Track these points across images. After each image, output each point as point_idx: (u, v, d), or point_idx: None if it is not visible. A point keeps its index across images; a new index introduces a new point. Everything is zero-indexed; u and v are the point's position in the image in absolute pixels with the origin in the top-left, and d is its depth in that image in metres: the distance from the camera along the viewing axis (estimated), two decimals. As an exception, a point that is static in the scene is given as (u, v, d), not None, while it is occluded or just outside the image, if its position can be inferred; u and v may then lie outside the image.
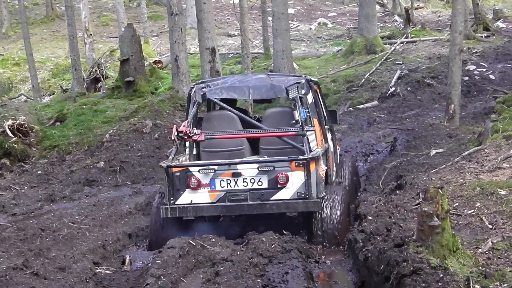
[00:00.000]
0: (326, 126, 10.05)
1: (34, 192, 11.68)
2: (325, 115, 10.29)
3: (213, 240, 8.43)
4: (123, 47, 18.60)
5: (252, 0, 29.41)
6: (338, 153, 11.07)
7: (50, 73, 26.68)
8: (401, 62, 20.59)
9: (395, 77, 18.91)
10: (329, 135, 10.21)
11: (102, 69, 21.54)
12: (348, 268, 8.10)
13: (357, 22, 24.97)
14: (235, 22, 32.31)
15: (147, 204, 10.66)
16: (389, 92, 17.94)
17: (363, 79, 19.22)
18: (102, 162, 12.67)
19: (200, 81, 10.05)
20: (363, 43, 22.79)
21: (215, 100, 9.35)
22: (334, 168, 10.31)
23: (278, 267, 7.54)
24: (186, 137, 8.71)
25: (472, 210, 7.84)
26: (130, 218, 10.07)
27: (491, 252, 6.75)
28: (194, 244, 8.06)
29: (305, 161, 8.39)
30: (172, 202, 8.61)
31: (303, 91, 9.21)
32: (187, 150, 9.35)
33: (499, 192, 8.13)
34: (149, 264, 8.01)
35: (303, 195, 8.43)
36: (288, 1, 19.92)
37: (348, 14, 34.01)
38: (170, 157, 8.82)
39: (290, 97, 8.97)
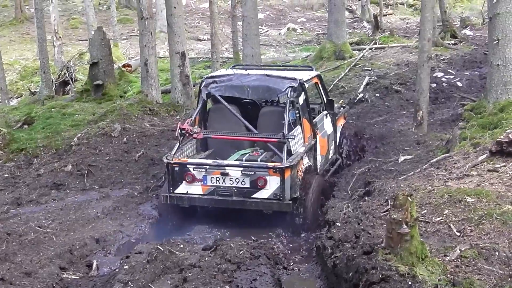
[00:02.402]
0: (325, 112, 11.70)
1: (0, 195, 11.48)
2: (325, 102, 11.83)
3: (181, 245, 8.38)
4: (92, 50, 18.43)
5: (222, 5, 29.37)
6: (339, 134, 12.50)
7: (18, 75, 26.34)
8: (369, 68, 20.62)
9: (364, 83, 18.94)
10: (328, 119, 11.82)
11: (71, 72, 21.32)
12: (317, 275, 8.06)
13: (326, 28, 25.02)
14: (204, 26, 32.25)
15: (115, 208, 10.55)
16: (357, 98, 17.96)
17: (332, 85, 19.22)
18: (70, 166, 12.49)
19: (209, 75, 11.20)
20: (332, 49, 22.82)
21: (219, 97, 10.49)
22: (332, 147, 12.01)
23: (246, 274, 7.50)
24: (187, 135, 10.04)
25: (440, 218, 7.84)
26: (97, 223, 9.94)
27: (459, 260, 6.74)
28: (162, 249, 7.99)
29: (280, 169, 9.44)
30: (171, 191, 9.84)
31: (295, 95, 10.22)
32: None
33: (467, 200, 8.15)
34: (117, 270, 7.90)
35: (278, 197, 9.51)
36: (258, 6, 19.85)
37: (317, 20, 34.11)
38: (173, 152, 10.05)
39: (281, 102, 10.15)
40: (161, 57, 25.12)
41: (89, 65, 18.89)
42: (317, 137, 10.88)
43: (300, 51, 27.11)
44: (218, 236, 9.29)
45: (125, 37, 31.83)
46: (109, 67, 18.62)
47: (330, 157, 11.76)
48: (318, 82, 11.68)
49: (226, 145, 10.54)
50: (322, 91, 11.79)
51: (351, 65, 21.14)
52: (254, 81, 10.59)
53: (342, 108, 12.99)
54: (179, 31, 17.02)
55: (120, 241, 9.45)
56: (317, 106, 11.71)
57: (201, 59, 26.60)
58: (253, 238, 8.70)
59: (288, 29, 32.30)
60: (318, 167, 10.89)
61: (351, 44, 24.26)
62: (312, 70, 11.93)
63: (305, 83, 10.71)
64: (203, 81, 10.81)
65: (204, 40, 30.26)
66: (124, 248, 9.10)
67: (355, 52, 23.31)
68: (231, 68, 11.82)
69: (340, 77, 19.95)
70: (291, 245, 9.34)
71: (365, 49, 23.75)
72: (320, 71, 20.57)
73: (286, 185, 9.47)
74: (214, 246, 8.17)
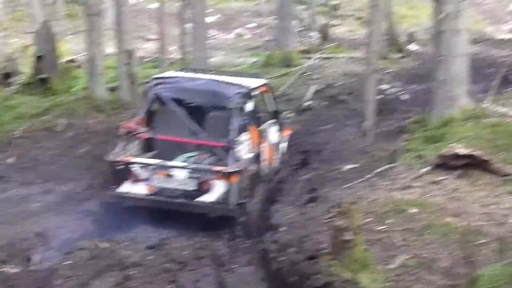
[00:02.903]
0: (271, 121, 11.64)
1: None
2: (272, 111, 11.88)
3: (125, 243, 8.36)
4: (38, 44, 18.16)
5: (171, 6, 29.18)
6: (285, 144, 12.54)
7: (-42, 65, 25.75)
8: (317, 77, 20.77)
9: (311, 91, 19.06)
10: (274, 128, 11.79)
11: (15, 64, 20.92)
12: (261, 278, 8.12)
13: (275, 35, 25.14)
14: (153, 26, 32.05)
15: (58, 203, 10.45)
16: (304, 105, 18.07)
17: (279, 92, 19.30)
18: (12, 159, 12.30)
19: (157, 76, 11.16)
20: (280, 56, 22.94)
21: (166, 99, 10.39)
22: (277, 156, 11.94)
23: (190, 274, 7.54)
24: (132, 134, 10.06)
25: (384, 227, 7.99)
26: (40, 217, 9.81)
27: (401, 269, 6.89)
28: (105, 246, 7.94)
29: (227, 173, 9.41)
30: (114, 189, 9.75)
31: (243, 101, 10.22)
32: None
33: (410, 210, 8.32)
34: (58, 265, 7.81)
35: (223, 201, 9.47)
36: (207, 10, 19.85)
37: (266, 27, 34.19)
38: (117, 150, 9.93)
39: (229, 108, 10.12)
40: (108, 55, 24.88)
41: (34, 59, 18.61)
42: (264, 145, 10.90)
43: (248, 57, 27.15)
44: (163, 236, 9.25)
45: (72, 32, 31.40)
46: (54, 61, 18.35)
47: (274, 166, 11.76)
48: (266, 90, 11.72)
49: (171, 147, 10.41)
50: (269, 100, 11.83)
51: (299, 73, 21.27)
52: (203, 85, 10.58)
53: (287, 119, 13.03)
54: (127, 30, 16.93)
55: (62, 237, 9.31)
56: (263, 115, 11.73)
57: (149, 58, 26.41)
58: (198, 238, 8.69)
59: (237, 34, 32.34)
60: (264, 175, 10.91)
61: (299, 52, 24.39)
62: (261, 78, 11.96)
63: (253, 90, 10.74)
64: (151, 81, 10.76)
65: (152, 40, 30.06)
66: (66, 244, 8.97)
67: (303, 60, 23.46)
68: (179, 71, 11.78)
69: (287, 84, 20.05)
70: (236, 247, 9.33)
71: (313, 58, 23.91)
72: (267, 77, 20.66)
73: (232, 190, 9.44)
74: (158, 245, 8.16)
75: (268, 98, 11.84)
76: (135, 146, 10.47)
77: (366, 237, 7.65)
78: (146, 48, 28.96)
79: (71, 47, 28.23)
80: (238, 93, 10.29)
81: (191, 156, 10.19)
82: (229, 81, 10.75)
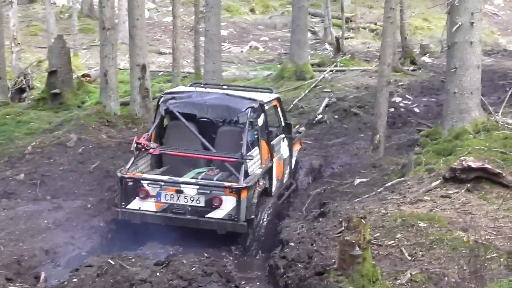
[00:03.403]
0: (282, 135, 11.64)
1: (-50, 202, 11.28)
2: (283, 125, 11.84)
3: (133, 260, 8.32)
4: (51, 58, 18.23)
5: (185, 19, 29.37)
6: (294, 159, 12.52)
7: (-27, 80, 25.93)
8: (329, 90, 20.76)
9: (323, 104, 19.06)
10: (284, 143, 11.73)
11: (28, 80, 21.03)
12: (268, 294, 8.08)
13: (289, 48, 25.14)
14: (167, 40, 32.18)
15: (67, 220, 10.44)
16: (316, 119, 18.07)
17: (292, 105, 19.32)
18: (23, 175, 12.30)
19: (168, 91, 11.25)
20: (293, 69, 22.93)
21: (177, 114, 10.45)
22: (287, 171, 11.92)
23: (197, 291, 7.47)
24: (143, 150, 10.04)
25: (393, 241, 7.94)
26: (48, 234, 9.80)
27: (409, 284, 6.82)
28: (113, 263, 7.92)
29: (237, 189, 9.42)
30: (123, 206, 9.77)
31: (254, 116, 10.30)
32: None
33: (419, 224, 8.26)
34: (65, 283, 7.79)
35: (232, 218, 9.47)
36: (221, 22, 19.88)
37: (279, 40, 34.26)
38: (127, 166, 9.98)
39: (240, 122, 10.20)
40: (121, 69, 24.96)
41: (47, 73, 18.69)
42: (274, 160, 10.86)
43: (261, 70, 27.19)
44: (171, 252, 9.20)
45: (85, 46, 31.58)
46: (67, 76, 18.42)
47: (284, 181, 11.73)
48: (277, 104, 11.71)
49: (181, 162, 10.42)
50: (280, 114, 11.82)
51: (311, 86, 21.26)
52: (214, 99, 10.60)
53: (298, 133, 12.99)
54: (141, 43, 16.95)
55: (70, 253, 9.32)
56: (275, 129, 11.71)
57: (162, 72, 26.49)
58: (206, 255, 8.67)
59: (250, 47, 32.39)
60: (273, 190, 10.86)
61: (312, 65, 24.36)
62: (272, 92, 11.97)
63: (265, 105, 10.73)
64: (162, 96, 10.78)
65: (166, 53, 30.17)
66: (74, 261, 8.97)
67: (316, 73, 23.44)
68: (190, 85, 11.80)
69: (300, 97, 20.05)
70: (243, 263, 9.32)
71: (326, 70, 23.90)
72: (280, 90, 20.72)
73: (242, 206, 9.43)
74: (166, 262, 8.14)
75: (280, 112, 11.82)
76: (145, 161, 10.51)
77: (375, 252, 7.61)
78: (159, 62, 29.10)
79: (84, 62, 28.44)
80: (250, 107, 10.27)
81: (200, 172, 10.18)
82: (241, 95, 10.75)
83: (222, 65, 20.24)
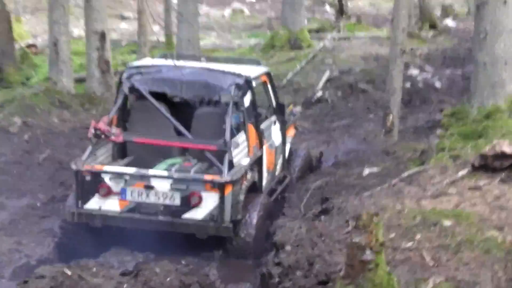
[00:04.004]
0: (273, 118, 11.63)
1: None
2: (274, 106, 11.79)
3: (94, 269, 8.33)
4: (-12, 25, 18.21)
5: (153, -24, 29.26)
6: (289, 146, 12.45)
7: None
8: (331, 61, 20.79)
9: (324, 79, 19.10)
10: (276, 127, 11.70)
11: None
12: (260, 309, 8.12)
13: (281, 11, 25.14)
14: (130, 2, 32.13)
15: (11, 222, 10.44)
16: (315, 97, 18.10)
17: (285, 80, 19.33)
18: (-45, 168, 12.35)
19: (133, 64, 11.01)
20: (286, 37, 22.98)
21: (144, 93, 10.32)
22: (280, 161, 11.86)
23: (174, 306, 7.50)
24: (103, 136, 9.89)
25: (411, 243, 7.96)
26: (-12, 240, 9.83)
27: (432, 295, 6.87)
28: (70, 273, 7.92)
29: (220, 184, 9.33)
30: (79, 206, 9.61)
31: (240, 94, 10.19)
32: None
33: (444, 223, 8.29)
34: (11, 298, 7.83)
35: (215, 218, 9.38)
36: (198, -20, 19.89)
37: (269, 1, 34.31)
38: (83, 157, 9.79)
39: (223, 101, 10.14)
40: (75, 38, 24.93)
41: (-17, 44, 18.64)
42: (264, 147, 10.83)
43: (247, 38, 27.20)
44: (140, 260, 9.23)
45: (30, 10, 31.49)
46: (8, 46, 18.44)
47: (277, 173, 11.71)
48: (267, 80, 11.64)
49: (150, 152, 10.32)
50: (271, 92, 11.77)
51: (309, 57, 21.28)
52: (190, 74, 10.49)
53: (292, 116, 12.97)
54: (99, 6, 16.97)
55: (17, 263, 9.31)
56: (264, 110, 11.65)
57: (125, 42, 26.47)
58: (183, 262, 8.69)
59: (233, 10, 32.41)
60: (264, 184, 10.84)
61: (309, 31, 24.42)
62: (260, 65, 11.87)
63: (252, 81, 10.65)
64: (125, 71, 10.68)
65: (130, 18, 30.16)
66: (22, 271, 8.97)
67: (314, 41, 23.46)
68: (160, 57, 11.76)
69: (295, 71, 20.06)
70: (229, 272, 9.33)
71: (326, 38, 23.92)
72: (270, 62, 20.73)
73: (226, 204, 9.37)
74: (135, 271, 8.15)
75: (270, 90, 11.77)
76: (106, 151, 10.42)
77: (390, 256, 7.65)
78: (122, 28, 29.07)
79: (29, 29, 28.35)
80: (234, 84, 10.21)
81: (174, 163, 10.09)
82: (223, 69, 10.71)
83: (200, 32, 20.23)
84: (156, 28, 26.20)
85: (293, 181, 12.34)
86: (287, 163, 12.37)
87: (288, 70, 20.19)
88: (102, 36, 17.04)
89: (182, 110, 10.93)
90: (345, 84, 18.75)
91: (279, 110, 12.00)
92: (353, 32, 24.91)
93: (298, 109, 13.97)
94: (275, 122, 11.71)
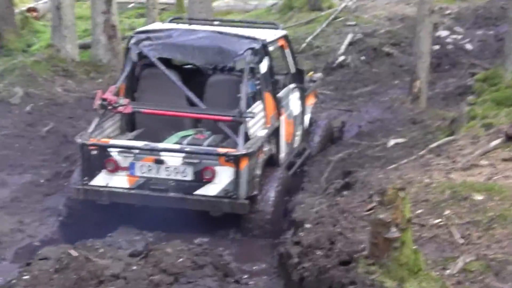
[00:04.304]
0: (292, 85, 11.60)
1: None
2: (293, 72, 11.77)
3: (101, 250, 8.37)
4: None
5: None
6: (308, 116, 12.48)
7: None
8: (354, 23, 20.70)
9: (346, 42, 19.04)
10: (295, 95, 11.67)
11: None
12: (279, 291, 8.14)
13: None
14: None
15: (13, 200, 10.51)
16: (337, 61, 18.05)
17: (305, 44, 19.29)
18: (-48, 142, 12.43)
19: (141, 29, 11.12)
20: (305, -4, 22.88)
21: (154, 59, 10.31)
22: (299, 132, 11.89)
23: (187, 288, 7.53)
24: (110, 107, 9.89)
25: (440, 220, 7.96)
26: (-11, 219, 9.90)
27: (462, 274, 6.86)
28: (76, 254, 7.95)
29: (235, 157, 9.33)
30: (85, 183, 9.65)
31: (256, 60, 10.19)
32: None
33: (475, 197, 8.28)
34: (14, 281, 7.86)
35: (229, 194, 9.42)
36: None
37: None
38: (90, 130, 9.81)
39: (238, 68, 10.13)
40: (79, 0, 24.93)
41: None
42: (282, 118, 10.84)
43: (263, -2, 27.11)
44: (150, 239, 9.25)
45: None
46: (7, 11, 18.47)
47: (295, 146, 11.72)
48: (285, 45, 11.60)
49: (160, 124, 10.36)
50: (289, 58, 11.73)
51: (330, 18, 21.20)
52: (202, 39, 10.49)
53: (312, 82, 12.90)
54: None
55: (19, 243, 9.40)
56: (282, 78, 11.64)
57: (133, 4, 26.47)
58: (196, 242, 8.70)
59: (248, -33, 32.27)
60: (282, 157, 10.86)
61: (330, -10, 24.30)
62: (277, 28, 11.84)
63: (269, 45, 10.65)
64: (133, 36, 10.69)
65: (137, -21, 30.11)
66: (24, 253, 9.05)
67: (335, 1, 23.35)
68: (170, 21, 11.75)
69: (315, 33, 20.01)
70: (245, 252, 9.34)
71: (348, -3, 23.82)
72: (288, 25, 20.67)
73: (241, 179, 9.37)
74: (145, 252, 8.17)
75: (288, 55, 11.72)
76: (113, 123, 10.44)
77: (417, 234, 7.65)
78: (129, -10, 29.03)
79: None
80: (249, 49, 10.18)
81: (186, 136, 10.15)
82: (237, 33, 10.70)
83: (212, -8, 20.14)
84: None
85: (313, 154, 12.32)
86: (306, 134, 12.35)
87: (308, 33, 20.14)
88: (108, -2, 17.03)
89: (194, 78, 10.94)
90: (368, 47, 18.67)
91: (298, 77, 11.96)
92: (377, -10, 24.76)
93: (318, 75, 13.85)
94: (293, 90, 11.67)
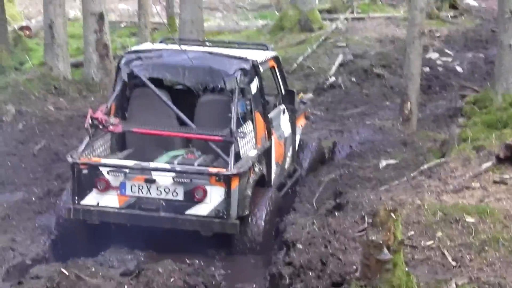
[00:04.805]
0: (282, 106, 11.54)
1: None
2: (283, 93, 11.69)
3: (93, 269, 8.35)
4: (-22, 6, 18.21)
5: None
6: (299, 137, 12.37)
7: None
8: (344, 44, 20.76)
9: (336, 63, 19.07)
10: (285, 117, 11.57)
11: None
12: (270, 312, 8.11)
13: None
14: (130, -20, 32.11)
15: (4, 218, 10.45)
16: (328, 82, 18.07)
17: (295, 64, 19.30)
18: None
19: (132, 49, 11.08)
20: (296, 17, 22.93)
21: (144, 79, 10.28)
22: (290, 154, 11.75)
23: (178, 308, 7.50)
24: (101, 126, 9.80)
25: (432, 242, 7.95)
26: (-20, 237, 9.82)
27: (455, 297, 6.85)
28: (67, 273, 7.92)
29: (226, 177, 9.28)
30: (76, 202, 9.57)
31: (246, 80, 10.16)
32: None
33: (467, 219, 8.27)
34: (4, 300, 7.83)
35: (220, 214, 9.35)
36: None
37: (278, -21, 34.22)
38: (80, 149, 9.75)
39: (228, 88, 10.11)
40: (71, 19, 24.93)
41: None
42: (272, 138, 10.77)
43: (254, 19, 27.16)
44: (142, 259, 9.21)
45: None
46: (0, 29, 18.40)
47: (286, 167, 11.64)
48: (275, 66, 11.54)
49: (150, 143, 10.35)
50: (279, 79, 11.66)
51: (321, 40, 21.24)
52: (193, 59, 10.41)
53: (302, 104, 12.83)
54: (97, -15, 16.92)
55: (10, 262, 9.26)
56: (272, 98, 11.58)
57: (124, 24, 26.47)
58: (187, 261, 8.67)
59: (239, -12, 32.37)
60: (272, 178, 10.79)
61: (320, 11, 24.35)
62: (267, 49, 11.73)
63: (259, 66, 10.57)
64: (124, 56, 10.64)
65: (129, -2, 30.14)
66: (16, 271, 8.97)
67: (326, 22, 23.42)
68: (161, 42, 11.72)
69: (306, 54, 20.03)
70: (237, 272, 9.33)
71: (338, 19, 23.86)
72: (279, 46, 20.72)
73: (232, 199, 9.32)
74: (136, 271, 8.14)
75: (279, 75, 11.66)
76: (103, 143, 10.38)
77: (409, 255, 7.63)
78: (121, 9, 29.06)
79: (22, 10, 28.36)
80: (240, 69, 10.16)
81: (177, 155, 10.11)
82: (227, 53, 10.65)
83: (204, 12, 20.18)
84: (157, 9, 26.21)
85: (304, 175, 12.27)
86: (297, 155, 12.28)
87: (298, 54, 20.17)
88: (100, 17, 17.02)
89: (184, 98, 10.87)
90: (359, 68, 18.72)
91: (288, 98, 11.90)
92: (367, 13, 24.83)
93: (308, 96, 13.90)
94: (284, 111, 11.61)
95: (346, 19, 24.14)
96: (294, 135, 12.00)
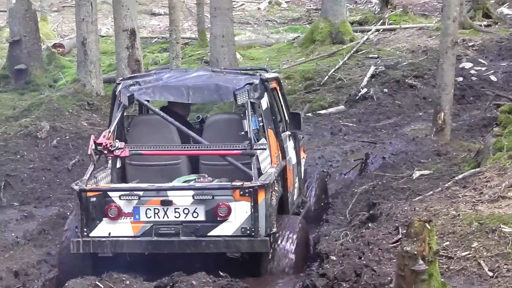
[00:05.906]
0: (287, 133, 10.75)
1: None
2: (287, 118, 10.94)
3: (127, 282, 8.32)
4: (13, 25, 18.36)
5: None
6: (303, 165, 11.69)
7: None
8: (376, 55, 20.75)
9: (368, 75, 19.04)
10: (291, 144, 10.86)
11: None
12: (305, 324, 8.07)
13: (320, 2, 25.09)
14: (161, -4, 32.26)
15: (40, 232, 10.48)
16: (359, 94, 18.04)
17: (327, 76, 19.29)
18: (-18, 176, 12.45)
19: (128, 76, 10.60)
20: (327, 30, 22.91)
21: (145, 103, 9.84)
22: (297, 185, 10.97)
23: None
24: (106, 152, 9.03)
25: (468, 252, 7.88)
26: (17, 251, 9.91)
27: (491, 308, 6.80)
28: (102, 286, 7.94)
29: (251, 189, 8.70)
30: (85, 234, 8.85)
31: (256, 95, 9.55)
32: (110, 163, 9.71)
33: (503, 229, 8.19)
34: (41, 314, 7.87)
35: (248, 232, 8.76)
36: (232, -29, 19.94)
37: (309, -8, 34.29)
38: (85, 177, 8.97)
39: (239, 103, 9.38)
40: (103, 36, 25.08)
41: (8, 44, 18.79)
42: (285, 162, 10.14)
43: (285, 32, 27.18)
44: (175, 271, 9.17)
45: (56, 8, 31.73)
46: (35, 47, 18.57)
47: (295, 198, 10.85)
48: (277, 87, 10.86)
49: (153, 174, 9.74)
50: (281, 102, 10.97)
51: (352, 51, 21.23)
52: (196, 78, 9.95)
53: (301, 138, 12.32)
54: (128, 2, 17.01)
55: (46, 275, 9.37)
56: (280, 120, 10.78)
57: (156, 39, 26.58)
58: (221, 273, 8.62)
59: (269, 2, 32.42)
60: (290, 204, 10.20)
61: (352, 23, 24.38)
62: (267, 72, 10.98)
63: (268, 82, 10.00)
64: (119, 83, 9.93)
65: (161, 14, 30.28)
66: (51, 285, 9.03)
67: (357, 34, 23.41)
68: (155, 73, 10.68)
69: (337, 66, 20.02)
70: (271, 284, 9.29)
71: (370, 30, 23.86)
72: (311, 58, 20.73)
73: (260, 214, 8.73)
74: (171, 284, 8.11)
75: (281, 98, 11.00)
76: (104, 176, 9.72)
77: (445, 266, 7.58)
78: (152, 25, 29.20)
79: (56, 28, 28.57)
80: (248, 83, 9.54)
81: (188, 180, 9.48)
82: (232, 70, 10.28)
83: (234, 27, 20.24)
84: (188, 24, 26.32)
85: (312, 209, 11.68)
86: (303, 186, 11.70)
87: (330, 66, 20.17)
88: (132, 33, 17.11)
89: (191, 121, 10.51)
90: (391, 79, 18.67)
91: (293, 123, 11.18)
92: (399, 23, 24.78)
93: (341, 107, 13.82)
94: (289, 138, 10.98)
95: (378, 30, 24.12)
96: (299, 165, 11.36)
